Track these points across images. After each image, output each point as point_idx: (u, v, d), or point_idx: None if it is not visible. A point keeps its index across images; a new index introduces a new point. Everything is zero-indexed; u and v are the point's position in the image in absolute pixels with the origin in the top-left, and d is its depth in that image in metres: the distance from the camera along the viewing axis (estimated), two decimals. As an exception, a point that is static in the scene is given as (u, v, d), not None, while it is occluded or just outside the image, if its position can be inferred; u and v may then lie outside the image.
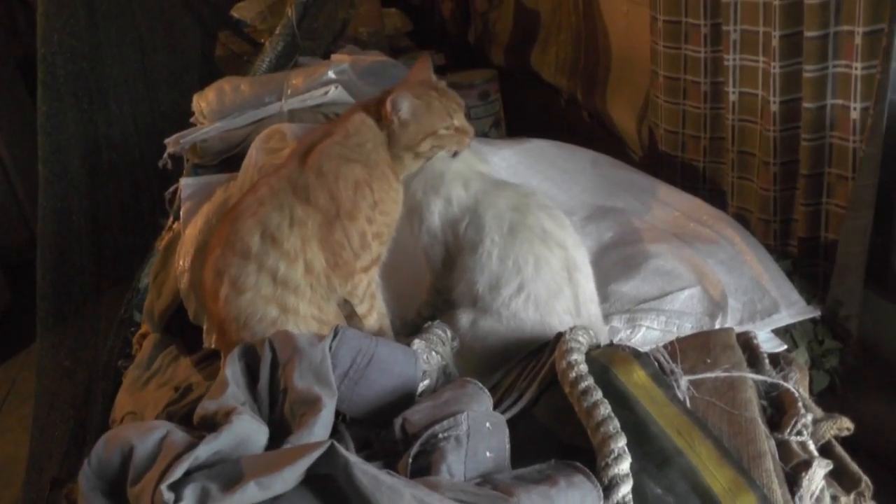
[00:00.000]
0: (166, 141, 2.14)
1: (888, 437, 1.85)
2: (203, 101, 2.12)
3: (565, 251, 1.39)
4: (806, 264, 1.94)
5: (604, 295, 1.57)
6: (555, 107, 3.49)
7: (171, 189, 2.06)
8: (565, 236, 1.40)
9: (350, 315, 1.40)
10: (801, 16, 1.77)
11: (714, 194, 2.20)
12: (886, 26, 1.60)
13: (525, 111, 3.57)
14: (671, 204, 1.87)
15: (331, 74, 2.06)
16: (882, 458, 1.82)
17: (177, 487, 0.87)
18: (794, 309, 1.60)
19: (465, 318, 1.39)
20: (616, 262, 1.67)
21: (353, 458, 0.86)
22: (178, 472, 0.88)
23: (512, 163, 1.82)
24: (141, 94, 3.34)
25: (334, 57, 2.45)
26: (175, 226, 2.07)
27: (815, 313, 1.64)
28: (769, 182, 1.98)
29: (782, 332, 1.64)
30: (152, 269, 1.89)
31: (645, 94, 2.57)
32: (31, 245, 5.20)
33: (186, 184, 1.94)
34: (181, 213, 1.87)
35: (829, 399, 1.74)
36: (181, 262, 1.72)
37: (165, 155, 2.14)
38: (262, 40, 3.25)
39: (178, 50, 3.70)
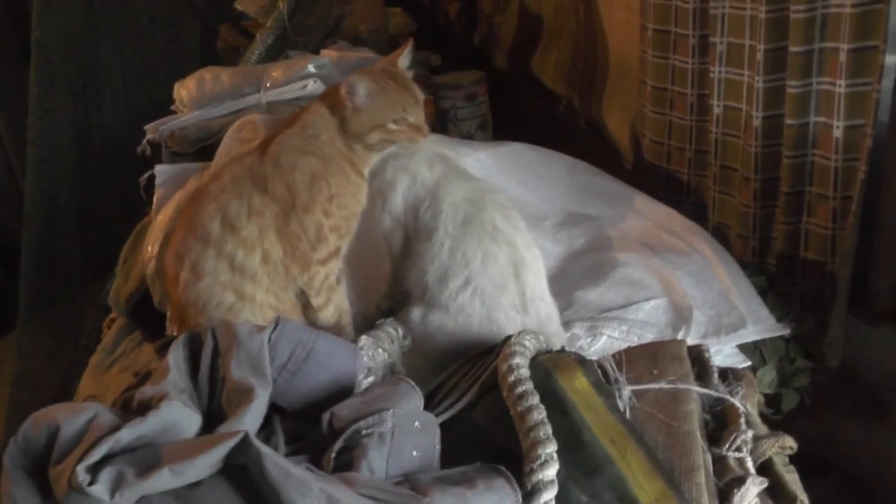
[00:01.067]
0: (146, 127, 2.15)
1: (863, 459, 1.83)
2: (183, 90, 2.12)
3: (514, 249, 1.39)
4: (783, 283, 1.92)
5: (568, 301, 1.55)
6: (553, 113, 3.47)
7: (146, 175, 2.06)
8: (515, 235, 1.40)
9: (307, 305, 1.40)
10: (786, 30, 1.74)
11: (696, 207, 2.18)
12: (878, 43, 1.58)
13: (523, 116, 3.56)
14: (645, 214, 1.85)
15: (311, 68, 2.05)
16: (856, 480, 1.80)
17: (95, 470, 0.87)
18: (761, 325, 1.58)
19: (416, 312, 1.39)
20: (584, 268, 1.66)
21: (266, 450, 0.85)
22: (96, 455, 0.87)
23: (486, 164, 1.81)
24: (137, 82, 3.35)
25: (322, 52, 2.45)
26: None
27: (783, 331, 1.62)
28: (749, 198, 1.96)
29: (751, 349, 1.62)
30: (122, 253, 1.89)
31: (638, 105, 2.56)
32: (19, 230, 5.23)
33: (161, 171, 1.93)
34: (154, 199, 1.86)
35: (802, 420, 1.72)
36: (150, 248, 1.72)
37: (145, 141, 2.15)
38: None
39: (178, 41, 3.70)
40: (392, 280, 1.50)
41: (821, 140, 1.78)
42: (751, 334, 1.55)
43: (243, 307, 1.33)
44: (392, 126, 1.37)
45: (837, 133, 1.72)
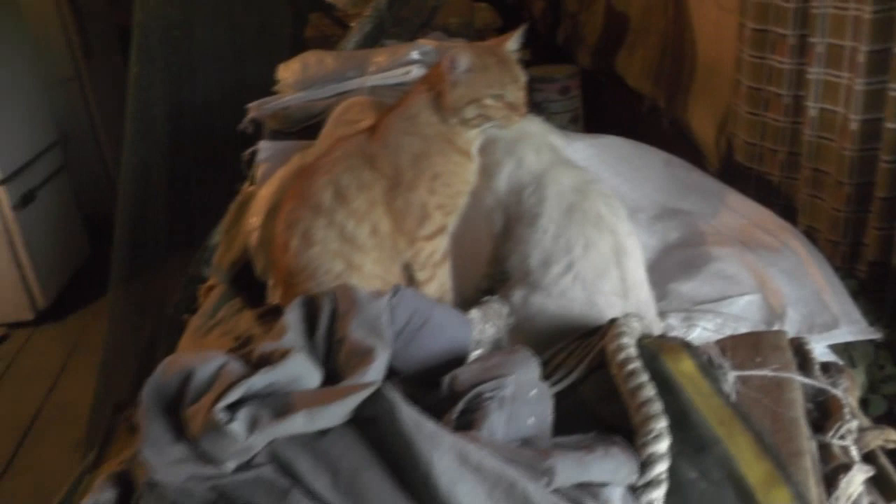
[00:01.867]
0: (249, 105, 2.22)
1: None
2: (287, 72, 2.19)
3: (616, 237, 1.41)
4: (873, 290, 1.91)
5: (663, 293, 1.57)
6: (636, 112, 3.48)
7: (250, 150, 2.13)
8: (617, 223, 1.43)
9: (412, 279, 1.44)
10: (891, 32, 1.74)
11: (786, 210, 2.18)
12: None
13: (605, 114, 3.57)
14: (739, 211, 1.85)
15: (414, 55, 2.10)
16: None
17: (230, 410, 0.92)
18: (854, 327, 1.58)
19: (517, 294, 1.42)
20: (679, 262, 1.67)
21: (399, 401, 0.89)
22: (233, 396, 0.93)
23: (585, 155, 1.83)
24: (228, 66, 3.45)
25: (420, 41, 2.50)
26: (250, 186, 2.15)
27: (875, 335, 1.61)
28: (842, 202, 1.96)
29: (841, 351, 1.62)
30: (224, 224, 1.96)
31: (726, 105, 2.56)
32: (113, 201, 5.43)
33: (264, 147, 2.00)
34: (258, 173, 1.93)
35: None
36: (253, 220, 1.78)
37: (247, 119, 2.21)
38: (352, 24, 3.32)
39: (268, 28, 3.80)
40: (492, 260, 1.53)
41: (922, 145, 1.78)
42: (843, 335, 1.55)
43: (351, 276, 1.37)
44: (489, 102, 1.37)
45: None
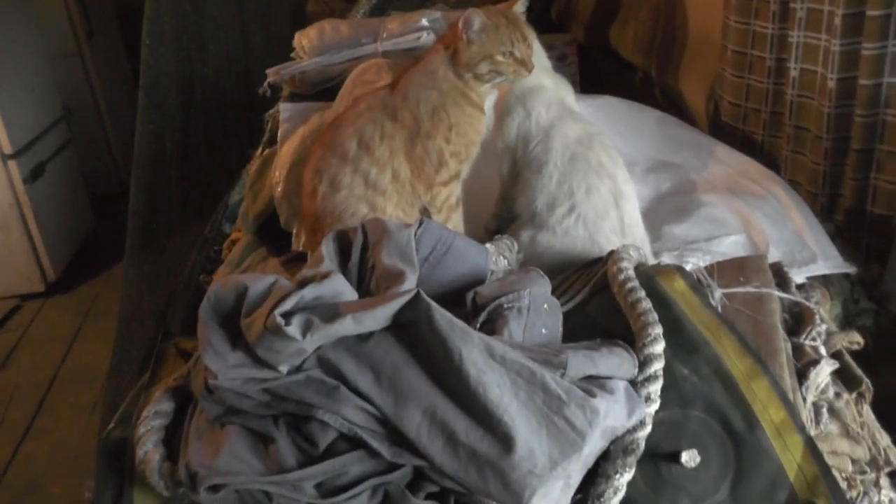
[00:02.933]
0: (268, 71, 2.35)
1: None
2: (305, 38, 2.32)
3: (614, 182, 1.57)
4: (849, 237, 2.06)
5: (657, 235, 1.72)
6: (629, 84, 3.61)
7: (271, 111, 2.25)
8: (616, 171, 1.59)
9: None
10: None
11: (769, 167, 2.32)
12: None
13: (601, 86, 3.70)
14: (726, 162, 2.01)
15: (424, 22, 2.23)
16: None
17: (286, 317, 1.07)
18: (831, 262, 1.74)
19: (525, 234, 1.57)
20: (671, 208, 1.83)
21: (434, 304, 1.04)
22: (288, 304, 1.07)
23: (585, 115, 1.98)
24: (236, 38, 3.58)
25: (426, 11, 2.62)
26: (267, 149, 2.29)
27: (850, 269, 1.77)
28: (820, 156, 2.10)
29: (820, 283, 1.77)
30: (249, 178, 2.10)
31: (715, 72, 2.70)
32: (117, 176, 5.54)
33: (285, 107, 2.14)
34: (279, 132, 2.07)
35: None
36: (277, 174, 1.92)
37: (266, 83, 2.35)
38: (358, -1, 3.45)
39: (273, 4, 3.92)
40: (500, 201, 1.69)
41: (893, 99, 1.92)
42: (821, 269, 1.71)
43: None
44: (500, 58, 1.51)
45: (909, 93, 1.87)
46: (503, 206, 1.68)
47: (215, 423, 1.13)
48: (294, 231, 1.85)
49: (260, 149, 2.49)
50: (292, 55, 2.40)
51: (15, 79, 4.41)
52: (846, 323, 1.83)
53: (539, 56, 1.64)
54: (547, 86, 1.64)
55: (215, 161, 3.34)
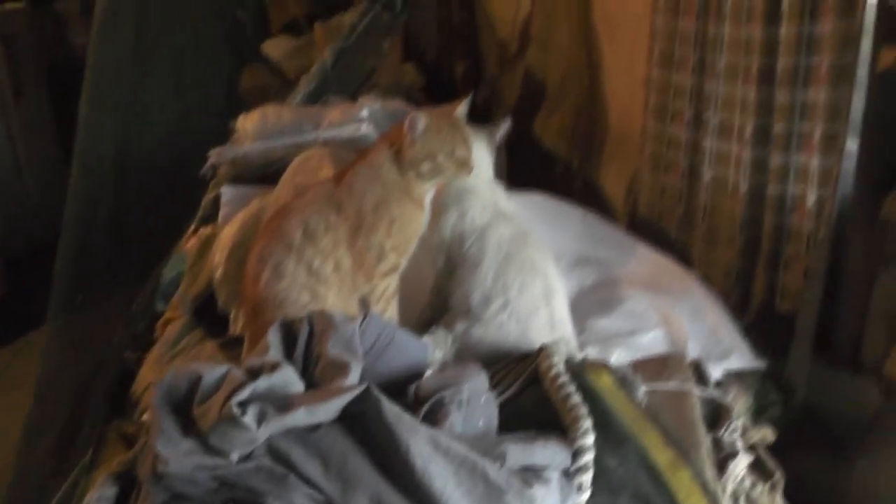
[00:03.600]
0: (210, 152, 2.40)
1: (826, 497, 2.09)
2: (248, 122, 2.39)
3: (545, 280, 1.67)
4: (759, 331, 2.20)
5: (582, 327, 1.81)
6: (550, 173, 3.76)
7: (212, 195, 2.31)
8: (547, 268, 1.69)
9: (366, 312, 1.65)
10: (772, 111, 2.05)
11: (683, 262, 2.46)
12: (840, 128, 1.89)
13: (522, 174, 3.84)
14: (646, 260, 2.13)
15: (364, 113, 2.33)
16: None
17: (240, 407, 1.11)
18: (744, 357, 1.85)
19: (459, 326, 1.64)
20: (594, 302, 1.93)
21: (383, 398, 1.10)
22: (243, 394, 1.12)
23: (515, 211, 2.08)
24: (173, 110, 3.63)
25: (360, 100, 2.73)
26: (204, 228, 2.34)
27: (762, 364, 1.89)
28: (733, 255, 2.25)
29: (735, 380, 1.89)
30: (189, 259, 2.14)
31: (634, 169, 2.85)
32: (33, 239, 5.41)
33: (226, 191, 2.20)
34: (220, 215, 2.12)
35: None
36: (217, 257, 1.96)
37: (208, 164, 2.40)
38: (291, 76, 3.55)
39: (207, 77, 4.00)
40: (435, 292, 1.76)
41: (797, 206, 2.07)
42: (734, 363, 1.82)
43: (315, 306, 1.56)
44: (442, 158, 1.60)
45: (811, 201, 2.01)
46: (437, 297, 1.75)
47: (161, 509, 1.16)
48: (232, 314, 1.89)
49: (194, 225, 2.53)
50: (234, 138, 2.47)
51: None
52: (758, 413, 1.94)
53: (481, 161, 1.74)
54: (481, 188, 1.74)
55: (146, 231, 3.35)
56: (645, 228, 2.60)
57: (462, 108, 1.69)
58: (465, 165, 1.63)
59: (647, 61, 2.53)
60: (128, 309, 2.88)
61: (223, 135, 2.85)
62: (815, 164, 1.98)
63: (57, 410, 3.05)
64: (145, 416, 1.67)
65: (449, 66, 5.27)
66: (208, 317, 1.99)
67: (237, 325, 1.86)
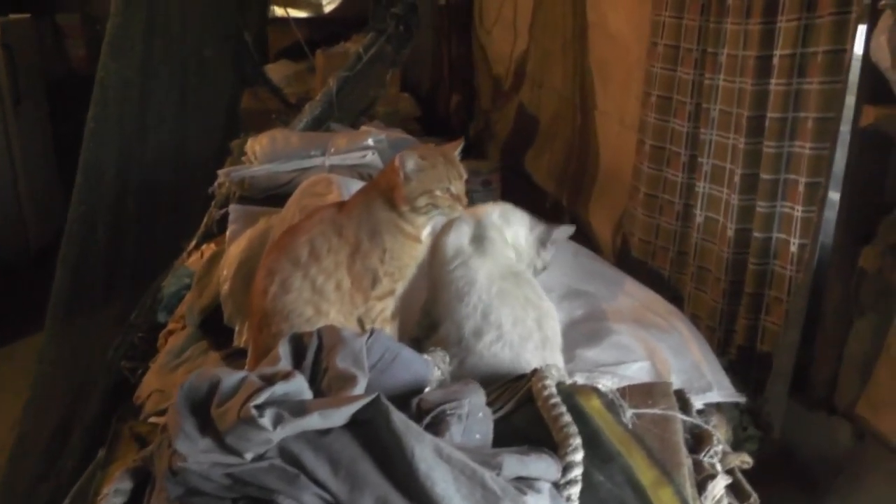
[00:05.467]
0: (219, 172, 2.49)
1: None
2: (257, 145, 2.48)
3: (539, 312, 1.73)
4: (740, 369, 2.30)
5: (570, 357, 1.90)
6: (539, 209, 3.86)
7: (222, 212, 2.39)
8: (541, 302, 1.76)
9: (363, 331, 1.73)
10: (759, 161, 2.17)
11: (674, 301, 2.55)
12: (823, 180, 2.01)
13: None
14: (634, 295, 2.23)
15: (370, 141, 2.42)
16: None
17: (258, 409, 1.19)
18: (724, 392, 1.94)
19: (453, 357, 1.69)
20: (583, 333, 2.01)
21: (392, 407, 1.18)
22: (261, 398, 1.20)
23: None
24: (175, 129, 3.71)
25: (363, 128, 2.83)
26: (207, 245, 2.42)
27: (741, 399, 1.98)
28: (719, 296, 2.36)
29: (714, 410, 1.98)
30: (197, 274, 2.21)
31: (623, 208, 2.96)
32: (27, 248, 5.44)
33: (234, 209, 2.29)
34: (228, 232, 2.20)
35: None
36: (224, 272, 2.04)
37: (216, 184, 2.49)
38: (293, 101, 3.65)
39: (212, 97, 4.09)
40: (424, 310, 1.83)
41: (780, 253, 2.18)
42: (715, 397, 1.91)
43: (319, 320, 1.65)
44: (438, 193, 1.68)
45: (793, 248, 2.12)
46: (425, 316, 1.83)
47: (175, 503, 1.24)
48: (237, 328, 1.96)
49: (194, 241, 2.61)
50: (243, 159, 2.56)
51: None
52: (735, 447, 2.03)
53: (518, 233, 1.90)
54: (487, 222, 1.85)
55: (145, 246, 3.42)
56: (638, 267, 2.70)
57: (457, 148, 1.77)
58: (460, 200, 1.71)
59: (642, 106, 2.65)
60: (124, 319, 2.94)
61: (221, 154, 2.94)
62: (798, 212, 2.09)
63: (49, 414, 3.09)
64: (154, 419, 1.74)
65: (444, 98, 5.42)
66: (213, 329, 2.07)
67: (241, 339, 1.94)
